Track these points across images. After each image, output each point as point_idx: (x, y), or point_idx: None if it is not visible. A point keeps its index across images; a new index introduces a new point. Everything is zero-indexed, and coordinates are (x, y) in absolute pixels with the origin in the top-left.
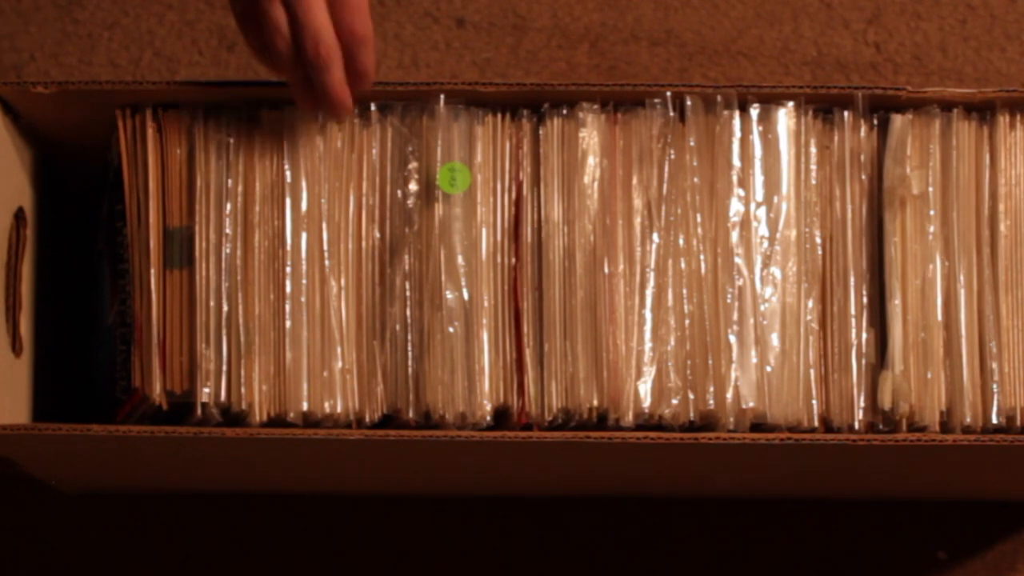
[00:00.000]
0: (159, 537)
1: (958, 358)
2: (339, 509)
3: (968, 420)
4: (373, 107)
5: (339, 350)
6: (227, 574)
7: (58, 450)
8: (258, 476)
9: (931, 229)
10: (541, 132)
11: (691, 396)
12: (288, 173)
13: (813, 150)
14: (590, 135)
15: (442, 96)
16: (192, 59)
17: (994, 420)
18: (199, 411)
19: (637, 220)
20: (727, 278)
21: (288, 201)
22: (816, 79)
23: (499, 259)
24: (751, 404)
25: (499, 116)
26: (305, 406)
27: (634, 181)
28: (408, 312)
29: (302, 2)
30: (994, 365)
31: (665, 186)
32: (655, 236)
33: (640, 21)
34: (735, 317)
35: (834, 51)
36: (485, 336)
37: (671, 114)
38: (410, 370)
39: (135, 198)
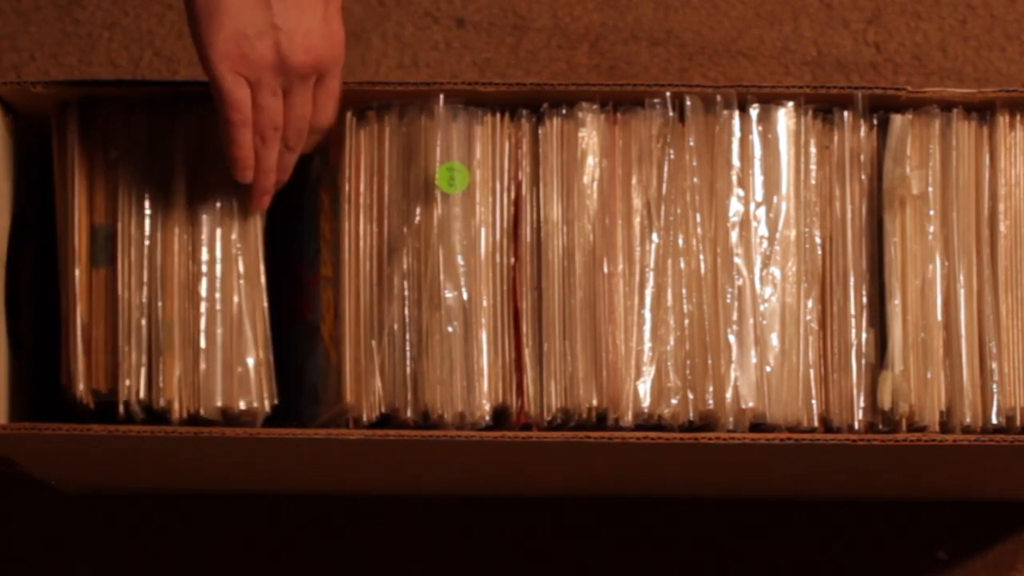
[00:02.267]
0: (159, 537)
1: (958, 358)
2: (339, 509)
3: (968, 420)
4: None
5: (252, 347)
6: (227, 574)
7: (58, 450)
8: (258, 476)
9: (931, 229)
10: (540, 132)
11: (691, 396)
12: (202, 169)
13: (813, 150)
14: (589, 135)
15: (441, 96)
16: (192, 59)
17: (994, 420)
18: (122, 409)
19: (636, 220)
20: (727, 278)
21: (200, 198)
22: (816, 79)
23: (498, 259)
24: (751, 404)
25: (498, 116)
26: (219, 403)
27: (633, 181)
28: (407, 311)
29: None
30: (994, 365)
31: (664, 186)
32: (654, 236)
33: (640, 21)
34: (735, 317)
35: (834, 51)
36: (484, 336)
37: (671, 114)
38: (408, 370)
39: (64, 196)
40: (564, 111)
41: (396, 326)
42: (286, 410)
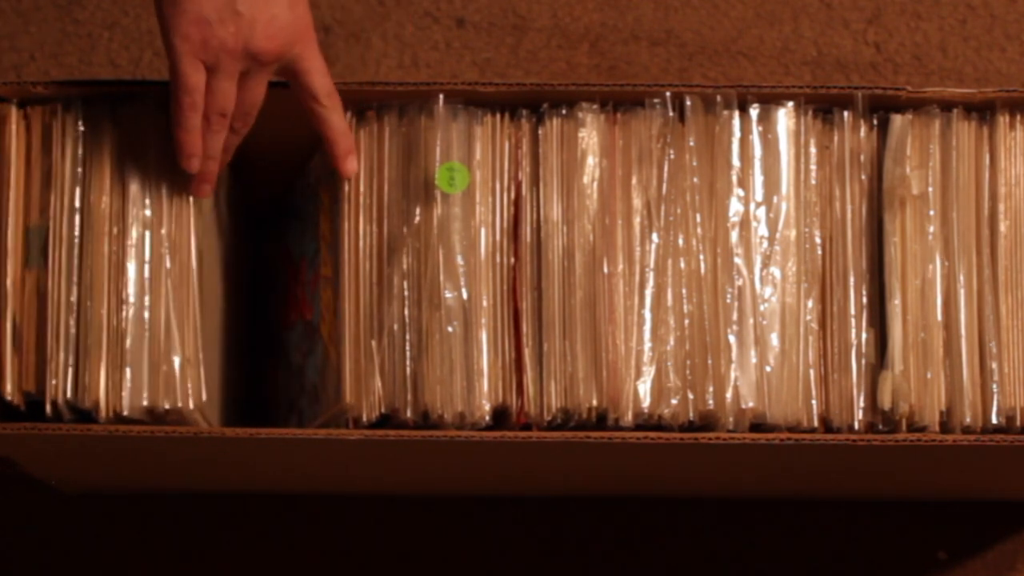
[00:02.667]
0: (159, 537)
1: (958, 358)
2: (339, 509)
3: (968, 420)
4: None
5: (179, 347)
6: (227, 574)
7: (58, 450)
8: (258, 476)
9: (931, 229)
10: (540, 132)
11: (690, 396)
12: (135, 170)
13: (813, 150)
14: (589, 135)
15: (441, 96)
16: None
17: (994, 420)
18: (49, 409)
19: (636, 220)
20: (727, 278)
21: (131, 199)
22: (816, 79)
23: (498, 259)
24: (751, 404)
25: (498, 116)
26: (145, 402)
27: (633, 181)
28: (407, 311)
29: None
30: (994, 365)
31: (664, 186)
32: (654, 236)
33: (640, 21)
34: (735, 317)
35: (834, 51)
36: (484, 336)
37: (671, 114)
38: (408, 370)
39: None
40: (564, 111)
41: (396, 326)
42: (287, 410)
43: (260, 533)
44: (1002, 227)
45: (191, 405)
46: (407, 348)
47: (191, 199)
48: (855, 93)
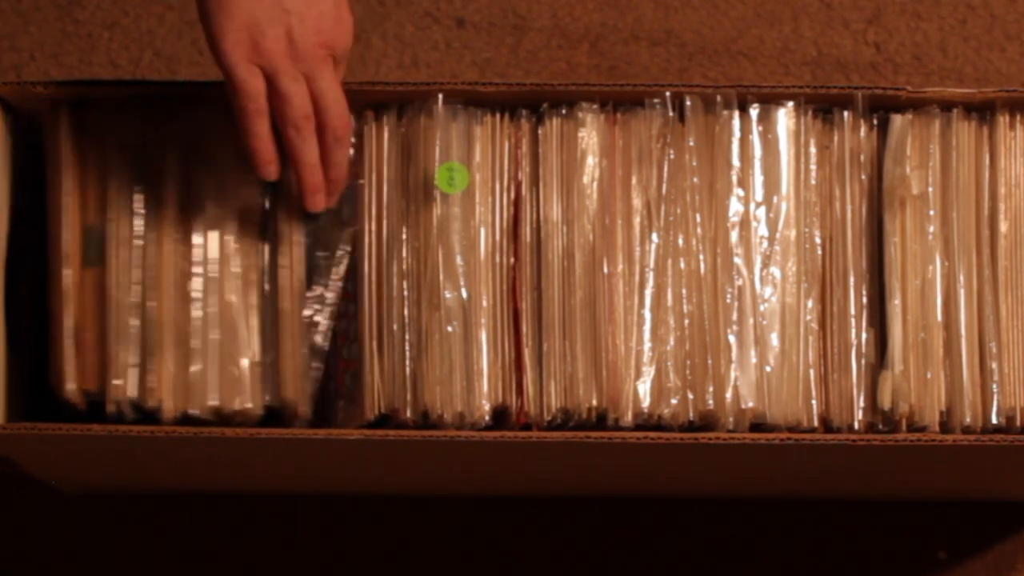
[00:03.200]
0: (159, 537)
1: (958, 358)
2: (339, 509)
3: (968, 420)
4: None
5: (246, 347)
6: (227, 574)
7: (58, 450)
8: (258, 476)
9: (931, 229)
10: (540, 132)
11: (690, 396)
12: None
13: (813, 150)
14: (589, 135)
15: (441, 96)
16: (192, 59)
17: (994, 420)
18: (112, 408)
19: (636, 220)
20: (726, 278)
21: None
22: (816, 79)
23: (498, 259)
24: (750, 404)
25: (498, 116)
26: (215, 402)
27: (633, 181)
28: (406, 311)
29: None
30: (994, 365)
31: (664, 186)
32: (654, 236)
33: (640, 21)
34: (734, 317)
35: (834, 51)
36: (484, 336)
37: (670, 114)
38: (408, 370)
39: (55, 196)
40: (564, 111)
41: (396, 326)
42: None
43: (260, 533)
44: (1002, 227)
45: (260, 407)
46: (407, 348)
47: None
48: (855, 93)
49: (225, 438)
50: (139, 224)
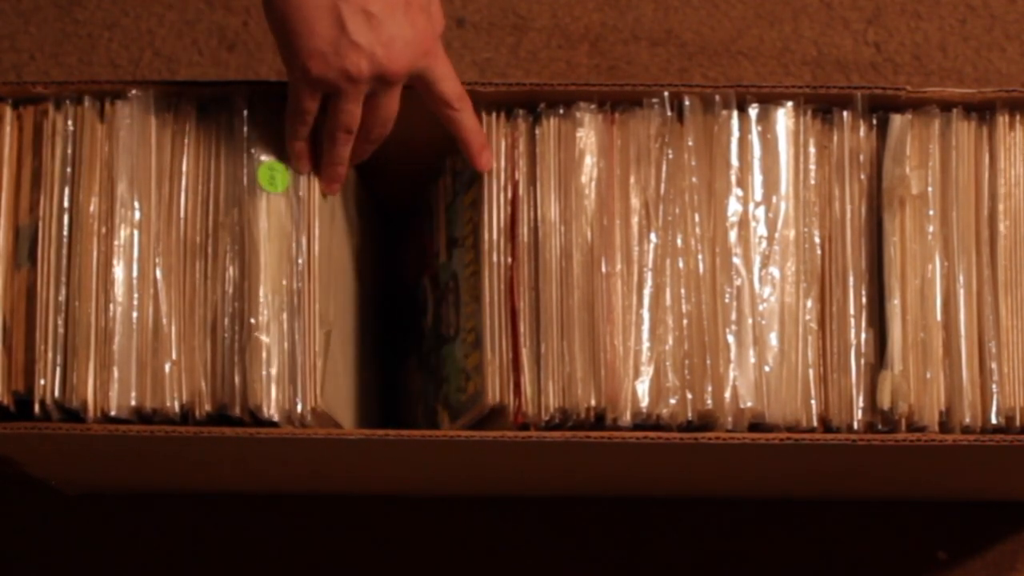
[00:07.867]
0: (159, 537)
1: (957, 358)
2: (339, 509)
3: (967, 420)
4: None
5: (168, 347)
6: (227, 574)
7: (58, 450)
8: (258, 476)
9: (930, 229)
10: (537, 132)
11: (689, 396)
12: (123, 172)
13: (812, 150)
14: (587, 135)
15: None
16: (192, 59)
17: (993, 420)
18: (37, 408)
19: (635, 220)
20: (725, 278)
21: (118, 199)
22: (816, 79)
23: (495, 258)
24: (749, 404)
25: (495, 115)
26: (133, 402)
27: (632, 181)
28: None
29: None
30: (993, 365)
31: (663, 186)
32: (653, 236)
33: (640, 21)
34: (733, 317)
35: (834, 51)
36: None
37: (669, 114)
38: None
39: None
40: (561, 111)
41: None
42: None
43: (260, 533)
44: (1002, 227)
45: (177, 408)
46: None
47: (179, 200)
48: (855, 93)
49: (225, 438)
50: (67, 223)
